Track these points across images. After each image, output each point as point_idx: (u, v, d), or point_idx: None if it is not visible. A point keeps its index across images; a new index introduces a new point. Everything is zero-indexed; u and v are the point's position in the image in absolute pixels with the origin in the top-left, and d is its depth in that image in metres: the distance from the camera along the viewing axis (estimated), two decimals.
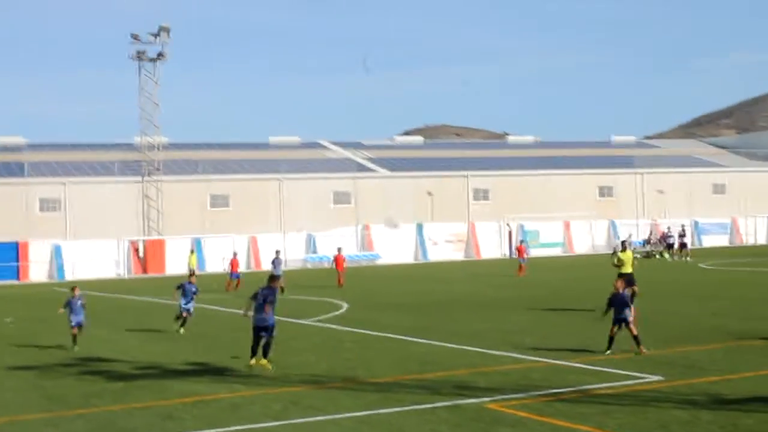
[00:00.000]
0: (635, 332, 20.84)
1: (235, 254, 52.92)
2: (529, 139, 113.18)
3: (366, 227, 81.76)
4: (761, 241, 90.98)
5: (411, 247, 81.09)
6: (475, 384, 17.60)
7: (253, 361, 19.88)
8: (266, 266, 62.50)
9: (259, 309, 19.95)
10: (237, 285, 48.00)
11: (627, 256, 31.19)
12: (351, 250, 78.09)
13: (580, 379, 17.97)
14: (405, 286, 47.92)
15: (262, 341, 19.94)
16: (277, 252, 48.04)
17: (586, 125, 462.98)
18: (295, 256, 76.41)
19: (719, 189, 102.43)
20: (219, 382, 18.91)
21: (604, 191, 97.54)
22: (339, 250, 51.60)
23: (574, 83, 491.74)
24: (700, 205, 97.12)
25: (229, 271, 50.56)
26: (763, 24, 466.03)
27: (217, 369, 20.61)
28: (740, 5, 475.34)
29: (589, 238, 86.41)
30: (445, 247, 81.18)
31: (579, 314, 29.86)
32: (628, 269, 30.61)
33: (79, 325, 25.28)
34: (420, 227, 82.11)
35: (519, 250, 55.45)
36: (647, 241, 79.06)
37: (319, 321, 30.76)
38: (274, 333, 20.12)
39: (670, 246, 70.97)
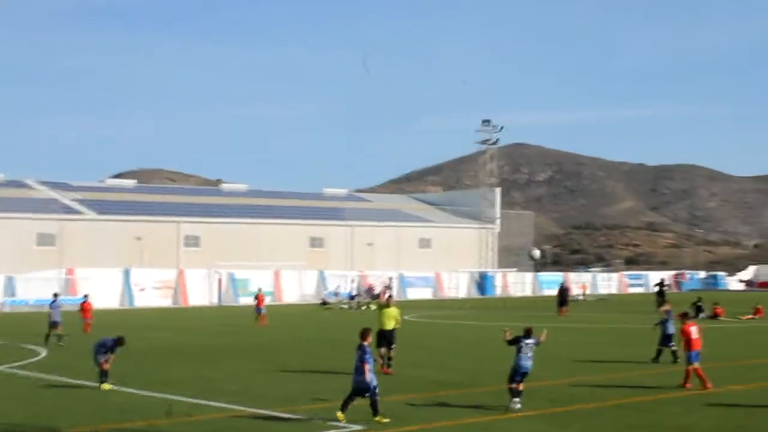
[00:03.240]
0: None
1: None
2: (242, 187, 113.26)
3: (70, 271, 78.78)
4: (462, 294, 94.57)
5: (117, 293, 78.71)
6: None
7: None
8: None
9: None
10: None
11: (391, 312, 27.47)
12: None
13: (284, 429, 17.90)
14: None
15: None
16: (55, 295, 43.28)
17: (299, 176, 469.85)
18: None
19: (425, 243, 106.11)
20: None
21: (315, 242, 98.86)
22: (86, 297, 48.59)
23: (288, 135, 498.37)
24: (406, 259, 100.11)
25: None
26: (459, 91, 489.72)
27: None
28: (438, 73, 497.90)
29: (298, 288, 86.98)
30: (152, 293, 79.34)
31: (286, 363, 29.85)
32: (389, 325, 27.23)
33: None
34: (127, 272, 79.94)
35: (259, 299, 53.22)
36: (356, 293, 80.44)
37: (14, 367, 29.26)
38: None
39: (375, 297, 72.66)
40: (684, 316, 25.10)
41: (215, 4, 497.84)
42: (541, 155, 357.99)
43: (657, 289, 65.74)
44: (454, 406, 20.62)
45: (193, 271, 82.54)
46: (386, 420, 18.31)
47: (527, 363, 20.15)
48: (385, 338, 26.84)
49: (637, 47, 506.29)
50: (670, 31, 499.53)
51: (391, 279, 79.11)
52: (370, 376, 18.51)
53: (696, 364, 23.35)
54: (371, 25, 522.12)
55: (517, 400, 19.88)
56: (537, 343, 20.66)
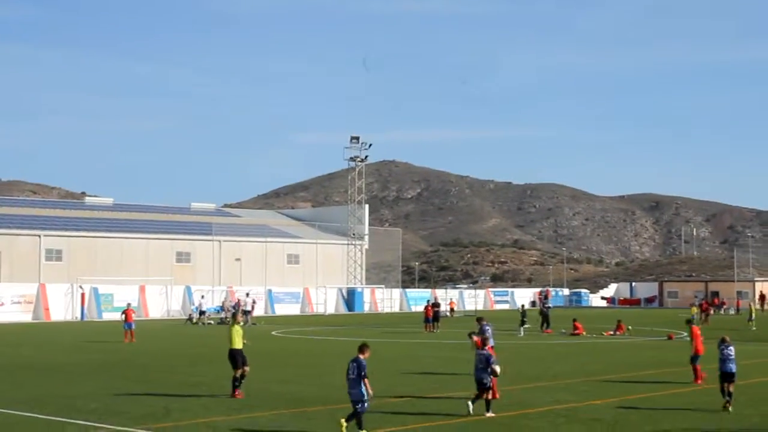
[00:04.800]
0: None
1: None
2: (107, 200, 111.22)
3: None
4: (330, 310, 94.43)
5: None
6: None
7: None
8: None
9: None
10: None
11: (240, 330, 25.80)
12: None
13: None
14: None
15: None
16: None
17: (166, 190, 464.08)
18: None
19: (293, 259, 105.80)
20: None
21: (182, 257, 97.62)
22: None
23: (157, 148, 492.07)
24: (275, 274, 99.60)
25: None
26: (330, 107, 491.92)
27: None
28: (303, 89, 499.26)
29: (164, 303, 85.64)
30: (11, 308, 76.95)
31: (149, 380, 29.25)
32: (239, 344, 25.46)
33: None
34: None
35: (127, 314, 50.11)
36: (222, 308, 79.46)
37: None
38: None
39: (245, 313, 72.06)
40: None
41: (63, 13, 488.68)
42: (409, 173, 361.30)
43: (540, 306, 65.91)
44: (322, 422, 20.47)
45: (54, 285, 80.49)
46: None
47: (478, 374, 21.74)
48: (239, 357, 25.30)
49: (504, 69, 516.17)
50: (536, 53, 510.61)
51: (248, 294, 78.16)
52: (363, 390, 18.68)
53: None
54: (239, 43, 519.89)
55: (470, 404, 21.49)
56: (488, 358, 21.83)
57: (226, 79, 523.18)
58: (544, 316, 59.95)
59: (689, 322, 30.35)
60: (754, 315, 67.89)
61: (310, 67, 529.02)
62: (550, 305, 62.36)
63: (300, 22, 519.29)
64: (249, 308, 72.08)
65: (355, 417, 18.63)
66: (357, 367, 18.80)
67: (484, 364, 21.75)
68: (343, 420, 18.61)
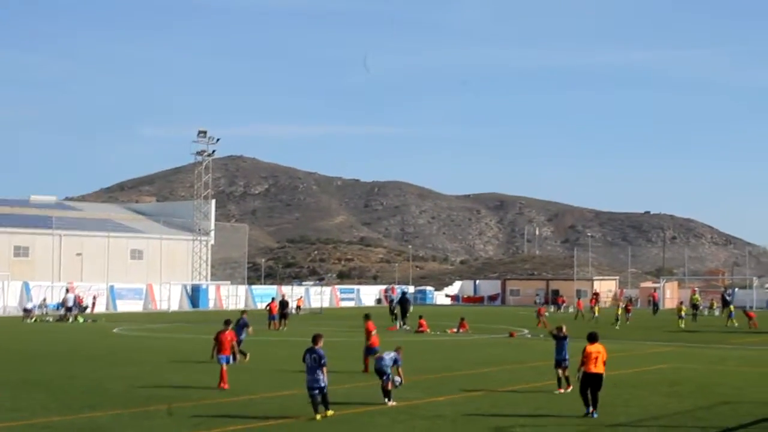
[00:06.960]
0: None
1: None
2: None
3: None
4: (174, 307, 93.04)
5: None
6: None
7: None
8: None
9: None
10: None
11: None
12: None
13: None
14: None
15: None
16: None
17: (3, 182, 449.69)
18: None
19: (137, 254, 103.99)
20: None
21: (20, 251, 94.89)
22: None
23: None
24: (117, 270, 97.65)
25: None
26: (176, 100, 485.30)
27: None
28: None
29: (0, 299, 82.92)
30: None
31: None
32: None
33: None
34: None
35: None
36: (62, 304, 77.42)
37: None
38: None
39: (83, 309, 70.68)
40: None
41: None
42: (257, 168, 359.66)
43: (398, 304, 66.34)
44: (162, 421, 20.18)
45: None
46: (331, 413, 20.43)
47: (379, 363, 23.25)
48: None
49: (355, 66, 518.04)
50: (385, 51, 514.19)
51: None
52: (325, 377, 20.44)
53: (225, 366, 26.43)
54: (83, 26, 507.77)
55: (387, 399, 22.82)
56: (395, 359, 23.55)
57: (69, 65, 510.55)
58: (403, 311, 61.62)
59: (367, 317, 32.90)
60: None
61: (158, 57, 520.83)
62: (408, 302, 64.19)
63: (152, 9, 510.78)
64: (71, 304, 70.94)
65: (320, 400, 20.34)
66: (317, 357, 20.38)
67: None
68: (319, 416, 20.28)
